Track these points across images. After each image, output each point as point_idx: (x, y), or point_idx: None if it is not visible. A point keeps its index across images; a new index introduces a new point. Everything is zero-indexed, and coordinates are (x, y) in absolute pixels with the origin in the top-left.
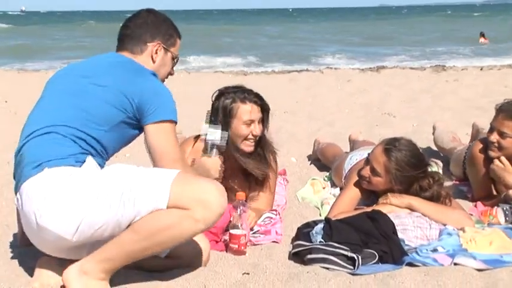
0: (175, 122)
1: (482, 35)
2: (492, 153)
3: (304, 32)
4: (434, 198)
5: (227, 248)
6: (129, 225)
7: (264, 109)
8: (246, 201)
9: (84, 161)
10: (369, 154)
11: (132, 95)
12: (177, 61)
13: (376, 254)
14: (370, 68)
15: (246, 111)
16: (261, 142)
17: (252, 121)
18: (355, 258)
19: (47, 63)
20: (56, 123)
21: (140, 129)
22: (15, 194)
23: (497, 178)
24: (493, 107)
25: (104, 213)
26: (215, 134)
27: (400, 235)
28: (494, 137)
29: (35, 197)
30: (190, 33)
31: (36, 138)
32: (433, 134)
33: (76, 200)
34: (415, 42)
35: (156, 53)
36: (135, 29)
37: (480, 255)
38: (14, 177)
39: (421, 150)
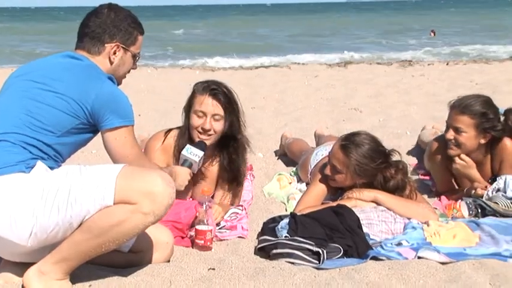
0: (132, 125)
1: (432, 31)
2: (451, 152)
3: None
4: (400, 188)
5: (193, 243)
6: (81, 224)
7: (226, 107)
8: (212, 197)
9: (34, 166)
10: (329, 153)
11: (85, 102)
12: (138, 58)
13: (341, 248)
14: (337, 63)
15: (199, 101)
16: (236, 144)
17: (204, 113)
18: (320, 252)
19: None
20: (7, 131)
21: (95, 132)
22: None
23: (462, 175)
24: None
25: (54, 216)
26: (194, 154)
27: (365, 229)
28: (451, 135)
29: None
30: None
31: None
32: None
33: (25, 207)
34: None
35: (115, 53)
36: (94, 29)
37: (444, 249)
38: None
39: (381, 143)
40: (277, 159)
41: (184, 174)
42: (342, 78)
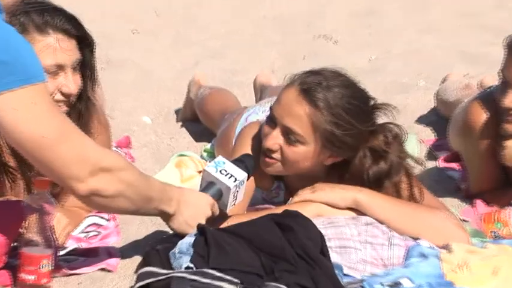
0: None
1: None
2: (508, 127)
3: None
4: (393, 172)
5: (16, 279)
6: None
7: (84, 43)
8: (53, 195)
9: None
10: (271, 108)
11: None
12: None
13: None
14: None
15: (48, 47)
16: (82, 103)
17: (61, 67)
18: None
19: None
20: None
21: None
22: None
23: None
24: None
25: None
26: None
27: (334, 256)
28: (511, 101)
29: None
30: None
31: None
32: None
33: None
34: None
35: None
36: None
37: None
38: None
39: (362, 87)
40: (180, 127)
41: (202, 207)
42: None
